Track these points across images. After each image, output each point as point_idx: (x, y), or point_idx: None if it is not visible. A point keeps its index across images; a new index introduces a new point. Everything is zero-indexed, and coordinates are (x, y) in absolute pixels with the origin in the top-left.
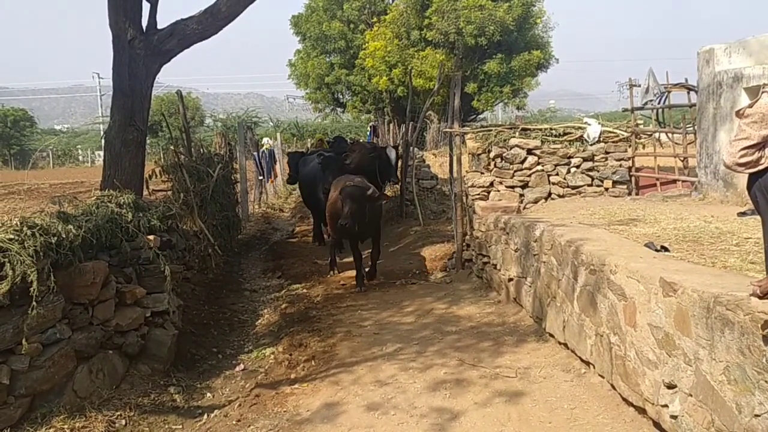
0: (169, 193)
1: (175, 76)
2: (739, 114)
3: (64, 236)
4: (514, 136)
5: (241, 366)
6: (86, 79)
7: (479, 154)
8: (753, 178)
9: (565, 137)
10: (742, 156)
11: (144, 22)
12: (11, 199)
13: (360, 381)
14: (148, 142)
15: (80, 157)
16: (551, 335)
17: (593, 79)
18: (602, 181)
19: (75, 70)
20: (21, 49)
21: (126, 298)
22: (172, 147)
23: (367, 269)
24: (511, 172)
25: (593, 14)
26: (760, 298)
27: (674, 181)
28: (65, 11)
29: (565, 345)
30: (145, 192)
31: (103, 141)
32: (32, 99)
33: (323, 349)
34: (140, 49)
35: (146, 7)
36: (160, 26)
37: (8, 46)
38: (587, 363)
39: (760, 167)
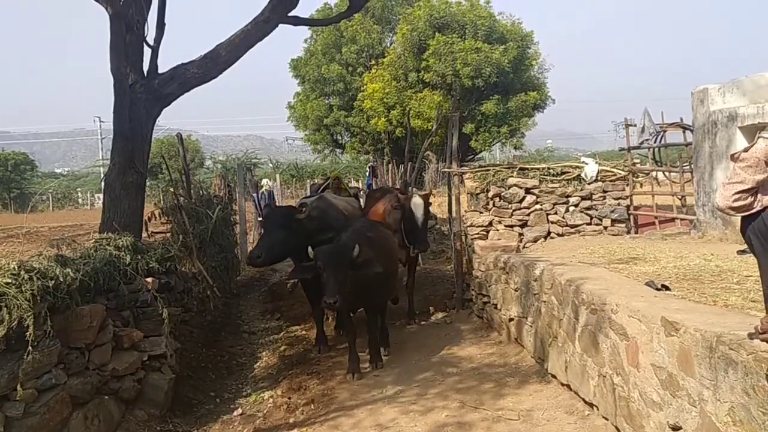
0: (168, 235)
1: (175, 118)
2: (734, 158)
3: (61, 280)
4: (512, 176)
5: (239, 410)
6: (87, 123)
7: (478, 194)
8: (746, 222)
9: (563, 176)
10: (735, 200)
11: (145, 67)
12: (10, 243)
13: (360, 425)
14: (148, 184)
15: (80, 200)
16: (553, 376)
17: (590, 119)
18: (601, 220)
19: (76, 114)
20: (23, 93)
21: (123, 341)
22: (171, 189)
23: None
24: (510, 211)
25: (589, 56)
26: (761, 335)
27: (673, 219)
28: (67, 56)
29: (568, 386)
30: (144, 234)
31: (102, 184)
32: (33, 143)
33: (322, 392)
34: (141, 93)
35: (147, 51)
36: (161, 70)
37: (10, 91)
38: (590, 404)
39: (753, 211)
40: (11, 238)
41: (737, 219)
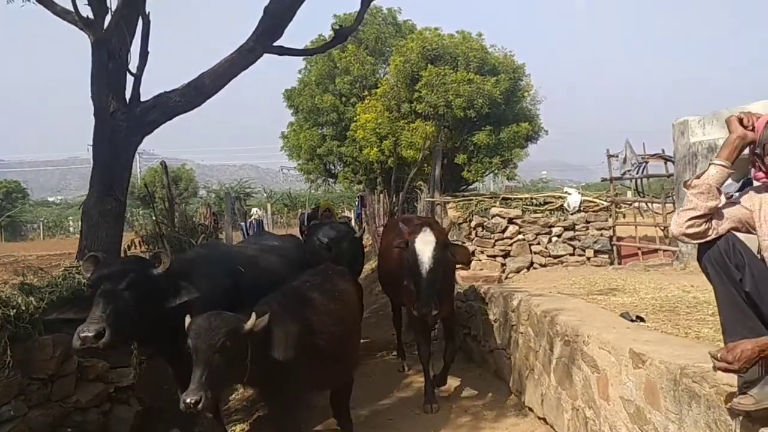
0: None
1: (170, 147)
2: (687, 185)
3: (23, 308)
4: (494, 205)
5: None
6: (81, 152)
7: (460, 223)
8: (703, 249)
9: (546, 206)
10: (689, 226)
11: (127, 95)
12: None
13: None
14: (139, 212)
15: (71, 229)
16: (530, 409)
17: (585, 151)
18: (584, 251)
19: (70, 143)
20: (17, 121)
21: (88, 372)
22: (153, 217)
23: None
24: (492, 241)
25: (581, 87)
26: (716, 364)
27: (656, 251)
28: (60, 86)
29: (545, 420)
30: None
31: (81, 211)
32: (27, 171)
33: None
34: (122, 120)
35: (130, 80)
36: (143, 98)
37: (4, 120)
38: None
39: (708, 238)
40: None
41: None
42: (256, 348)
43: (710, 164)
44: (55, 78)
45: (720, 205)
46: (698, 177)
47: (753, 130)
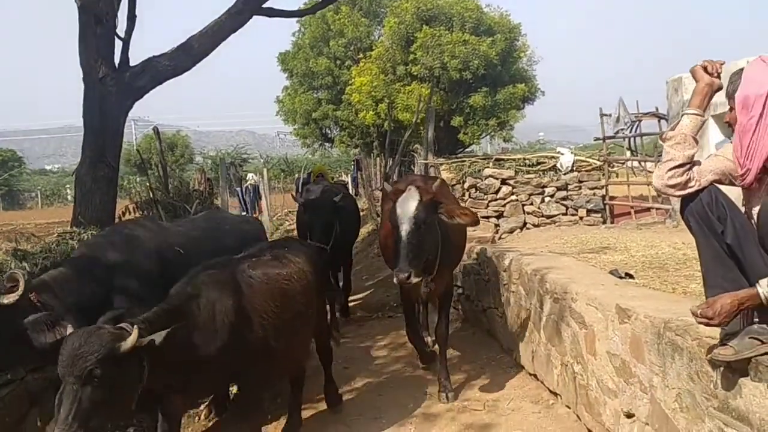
0: None
1: (167, 114)
2: (662, 138)
3: None
4: (488, 167)
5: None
6: (77, 120)
7: (453, 185)
8: (685, 203)
9: (539, 167)
10: (670, 177)
11: (116, 60)
12: None
13: (323, 418)
14: (135, 179)
15: (68, 197)
16: (522, 366)
17: (582, 111)
18: (577, 210)
19: (65, 111)
20: (11, 90)
21: None
22: (147, 183)
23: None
24: (486, 202)
25: (581, 47)
26: (698, 320)
27: (648, 209)
28: (55, 52)
29: (535, 376)
30: None
31: (74, 178)
32: (23, 140)
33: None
34: (112, 86)
35: (119, 44)
36: (132, 63)
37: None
38: (555, 394)
39: (690, 190)
40: None
41: None
42: (170, 346)
43: (683, 114)
44: (49, 44)
45: (696, 156)
46: (672, 128)
47: (719, 77)
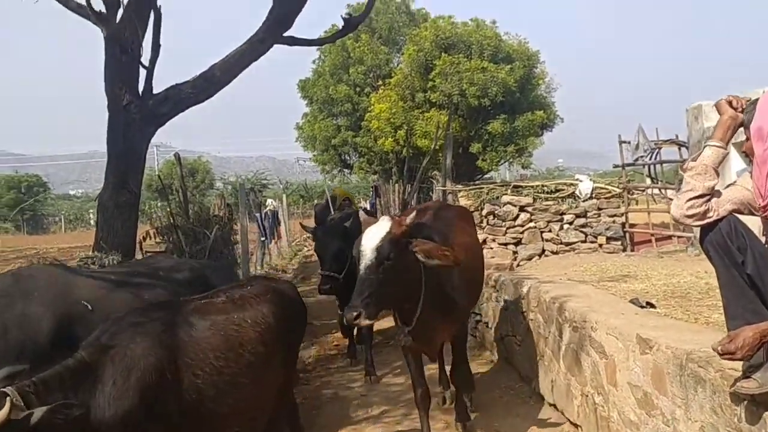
0: (163, 254)
1: (187, 140)
2: (683, 168)
3: None
4: (506, 193)
5: None
6: (101, 146)
7: (471, 212)
8: (704, 233)
9: (558, 194)
10: (689, 207)
11: (140, 88)
12: (16, 263)
13: None
14: (156, 205)
15: (91, 221)
16: (541, 396)
17: (601, 138)
18: (596, 237)
19: (90, 137)
20: (38, 116)
21: None
22: (168, 209)
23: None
24: (504, 229)
25: (600, 75)
26: (721, 356)
27: (670, 237)
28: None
29: (555, 406)
30: (139, 254)
31: (96, 203)
32: (48, 165)
33: (307, 410)
34: (135, 113)
35: (143, 72)
36: (155, 91)
37: (26, 113)
38: (576, 425)
39: (708, 220)
40: (19, 259)
41: None
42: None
43: (705, 146)
44: (75, 73)
45: (718, 186)
46: (693, 159)
47: (743, 112)
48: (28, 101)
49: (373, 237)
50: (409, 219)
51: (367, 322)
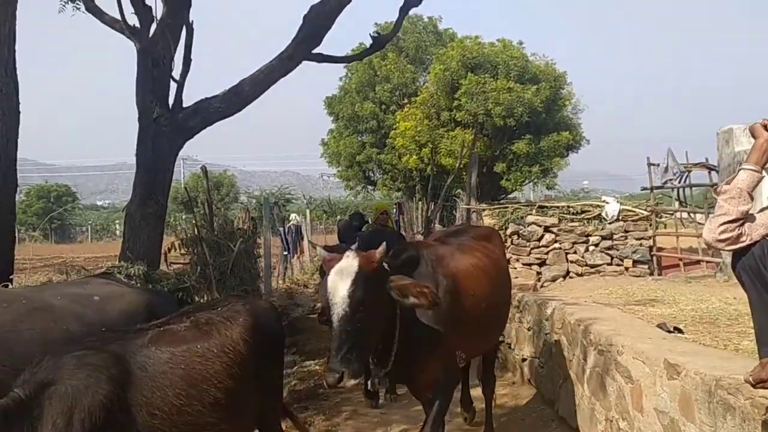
0: (188, 266)
1: (213, 154)
2: (717, 191)
3: None
4: (530, 213)
5: None
6: (129, 157)
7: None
8: (737, 257)
9: (583, 215)
10: (721, 232)
11: (170, 101)
12: (43, 272)
13: None
14: (182, 217)
15: (117, 232)
16: (563, 419)
17: (628, 161)
18: (622, 260)
19: (118, 149)
20: (68, 127)
21: None
22: (193, 221)
23: None
24: (528, 249)
25: (628, 97)
26: (754, 386)
27: (698, 262)
28: (110, 93)
29: (577, 430)
30: (164, 266)
31: (123, 214)
32: (77, 175)
33: (326, 428)
34: (165, 126)
35: (173, 86)
36: (185, 104)
37: (55, 126)
38: None
39: (741, 244)
40: (47, 267)
41: None
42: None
43: (740, 169)
44: (105, 85)
45: (751, 210)
46: (728, 183)
47: None
48: (59, 113)
49: (341, 281)
50: (379, 251)
51: (353, 381)
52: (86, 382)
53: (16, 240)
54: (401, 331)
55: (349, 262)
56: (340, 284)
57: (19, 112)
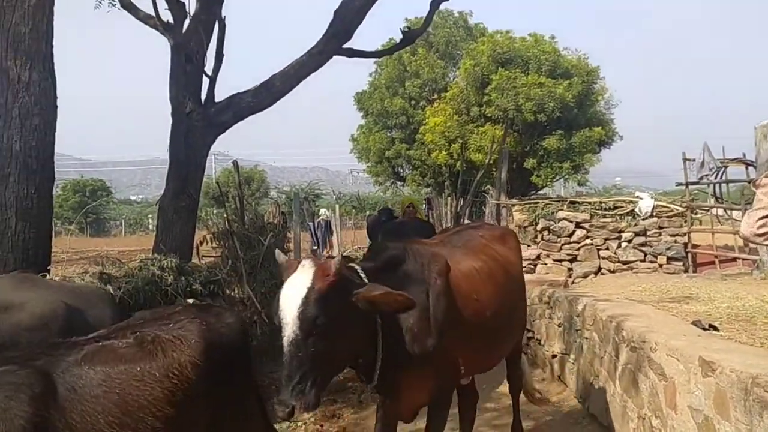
0: (219, 259)
1: (244, 149)
2: (756, 184)
3: None
4: (561, 209)
5: None
6: (162, 153)
7: (526, 227)
8: None
9: (616, 211)
10: (760, 226)
11: (202, 96)
12: (79, 264)
13: None
14: (213, 212)
15: (150, 226)
16: (594, 417)
17: (661, 156)
18: (656, 257)
19: (151, 144)
20: (104, 123)
21: None
22: (224, 215)
23: None
24: (559, 245)
25: (662, 92)
26: None
27: (734, 259)
28: (143, 89)
29: (609, 428)
30: (195, 259)
31: (157, 207)
32: (112, 170)
33: (355, 421)
34: (198, 121)
35: (205, 81)
36: (217, 99)
37: (91, 122)
38: None
39: None
40: (83, 259)
41: None
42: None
43: None
44: (138, 82)
45: None
46: (767, 176)
47: None
48: (95, 109)
49: (291, 299)
50: (336, 261)
51: (308, 414)
52: (4, 404)
53: (53, 233)
54: (385, 342)
55: (302, 275)
56: (289, 302)
57: (56, 107)
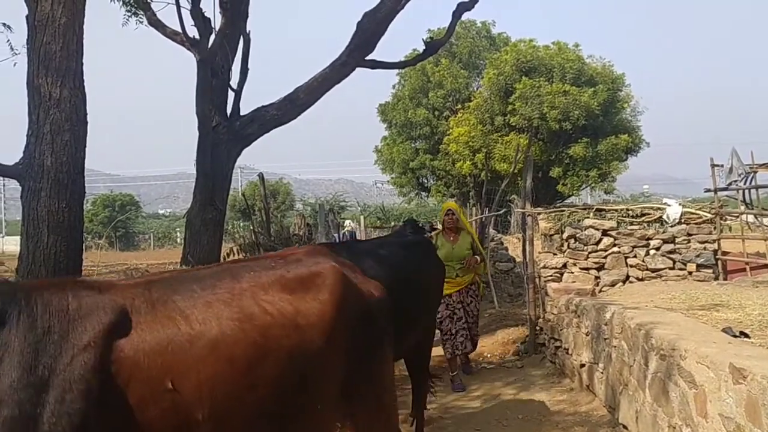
0: None
1: (269, 162)
2: None
3: None
4: (588, 217)
5: None
6: (188, 167)
7: (552, 235)
8: None
9: (643, 218)
10: None
11: (228, 109)
12: (109, 277)
13: None
14: (240, 224)
15: (178, 240)
16: (624, 427)
17: (688, 164)
18: (685, 265)
19: (178, 159)
20: (131, 139)
21: None
22: (251, 227)
23: None
24: (586, 253)
25: (689, 99)
26: None
27: (766, 266)
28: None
29: None
30: None
31: (185, 220)
32: (140, 185)
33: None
34: (223, 134)
35: (230, 95)
36: (242, 112)
37: (120, 137)
38: None
39: None
40: (112, 273)
41: None
42: None
43: None
44: (166, 99)
45: None
46: None
47: None
48: (123, 126)
49: None
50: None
51: None
52: None
53: (84, 247)
54: None
55: None
56: None
57: (86, 123)
